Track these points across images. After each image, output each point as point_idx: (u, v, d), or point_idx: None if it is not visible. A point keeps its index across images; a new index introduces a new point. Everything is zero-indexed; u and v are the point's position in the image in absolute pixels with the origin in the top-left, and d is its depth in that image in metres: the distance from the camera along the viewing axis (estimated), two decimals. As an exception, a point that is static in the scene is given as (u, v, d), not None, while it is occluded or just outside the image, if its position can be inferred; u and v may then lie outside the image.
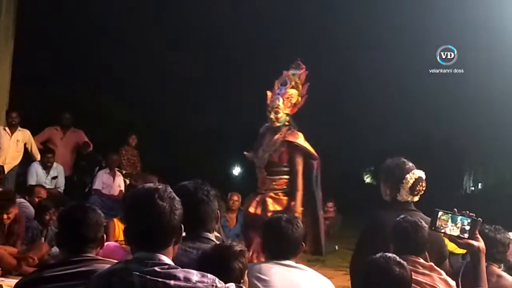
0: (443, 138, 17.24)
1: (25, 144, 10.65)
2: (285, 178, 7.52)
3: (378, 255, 3.18)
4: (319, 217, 7.64)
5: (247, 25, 13.77)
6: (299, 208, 7.32)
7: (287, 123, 7.57)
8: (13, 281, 4.01)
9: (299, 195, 7.39)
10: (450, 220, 3.19)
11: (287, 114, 7.53)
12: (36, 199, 8.87)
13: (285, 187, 7.50)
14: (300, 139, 7.51)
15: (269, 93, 7.63)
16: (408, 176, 4.39)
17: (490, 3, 9.85)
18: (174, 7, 13.89)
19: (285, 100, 7.50)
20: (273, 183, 7.51)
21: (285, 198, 7.42)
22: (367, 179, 28.02)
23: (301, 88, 7.65)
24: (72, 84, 13.88)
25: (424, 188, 4.43)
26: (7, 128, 10.39)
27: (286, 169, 7.53)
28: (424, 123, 17.18)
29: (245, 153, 7.84)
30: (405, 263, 3.15)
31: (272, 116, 7.45)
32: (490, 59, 11.21)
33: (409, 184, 4.37)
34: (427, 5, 11.18)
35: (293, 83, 7.61)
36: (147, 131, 14.25)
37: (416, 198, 4.46)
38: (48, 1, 13.26)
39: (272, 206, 7.31)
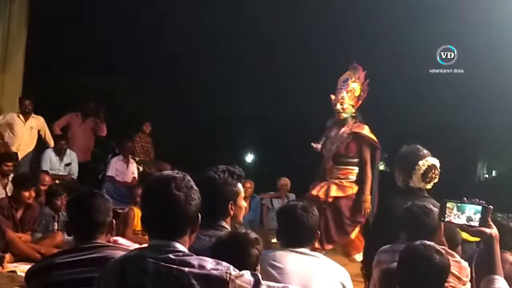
0: (456, 126, 17.14)
1: (39, 131, 10.72)
2: (351, 168, 7.83)
3: (418, 242, 3.15)
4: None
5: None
6: (368, 196, 7.64)
7: (353, 115, 7.88)
8: (26, 267, 4.00)
9: (368, 183, 7.71)
10: (455, 209, 3.15)
11: (352, 106, 7.85)
12: (41, 187, 8.78)
13: (350, 176, 7.83)
14: (366, 131, 7.81)
15: (332, 96, 7.93)
16: (420, 162, 4.40)
17: (490, 3, 9.79)
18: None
19: (349, 93, 7.83)
20: (339, 172, 7.84)
21: (348, 186, 7.76)
22: (381, 167, 27.96)
23: (362, 84, 7.97)
24: (85, 72, 13.87)
25: (437, 176, 4.42)
26: (20, 115, 10.44)
27: (352, 160, 7.84)
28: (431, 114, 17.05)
29: (312, 144, 8.06)
30: (443, 251, 3.15)
31: (338, 107, 7.79)
32: (490, 59, 11.13)
33: (421, 171, 4.38)
34: (427, 4, 11.09)
35: (353, 79, 7.92)
36: (161, 118, 14.23)
37: (428, 186, 4.46)
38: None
39: (335, 192, 7.67)
